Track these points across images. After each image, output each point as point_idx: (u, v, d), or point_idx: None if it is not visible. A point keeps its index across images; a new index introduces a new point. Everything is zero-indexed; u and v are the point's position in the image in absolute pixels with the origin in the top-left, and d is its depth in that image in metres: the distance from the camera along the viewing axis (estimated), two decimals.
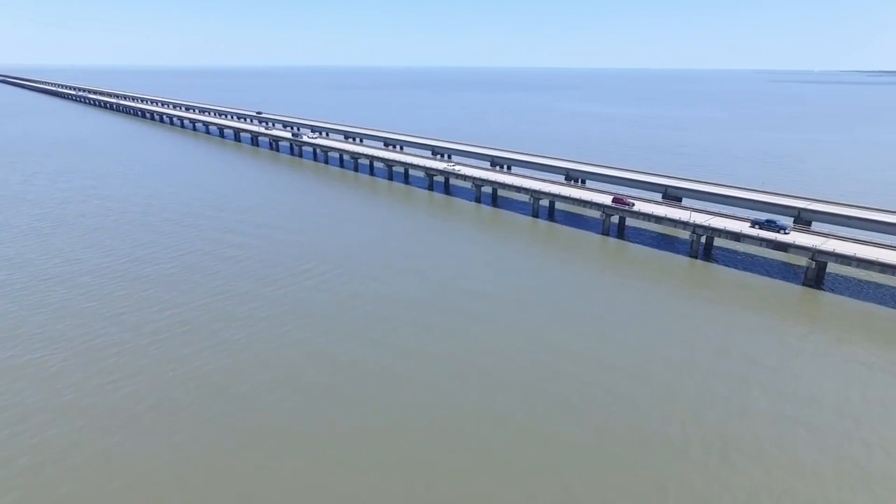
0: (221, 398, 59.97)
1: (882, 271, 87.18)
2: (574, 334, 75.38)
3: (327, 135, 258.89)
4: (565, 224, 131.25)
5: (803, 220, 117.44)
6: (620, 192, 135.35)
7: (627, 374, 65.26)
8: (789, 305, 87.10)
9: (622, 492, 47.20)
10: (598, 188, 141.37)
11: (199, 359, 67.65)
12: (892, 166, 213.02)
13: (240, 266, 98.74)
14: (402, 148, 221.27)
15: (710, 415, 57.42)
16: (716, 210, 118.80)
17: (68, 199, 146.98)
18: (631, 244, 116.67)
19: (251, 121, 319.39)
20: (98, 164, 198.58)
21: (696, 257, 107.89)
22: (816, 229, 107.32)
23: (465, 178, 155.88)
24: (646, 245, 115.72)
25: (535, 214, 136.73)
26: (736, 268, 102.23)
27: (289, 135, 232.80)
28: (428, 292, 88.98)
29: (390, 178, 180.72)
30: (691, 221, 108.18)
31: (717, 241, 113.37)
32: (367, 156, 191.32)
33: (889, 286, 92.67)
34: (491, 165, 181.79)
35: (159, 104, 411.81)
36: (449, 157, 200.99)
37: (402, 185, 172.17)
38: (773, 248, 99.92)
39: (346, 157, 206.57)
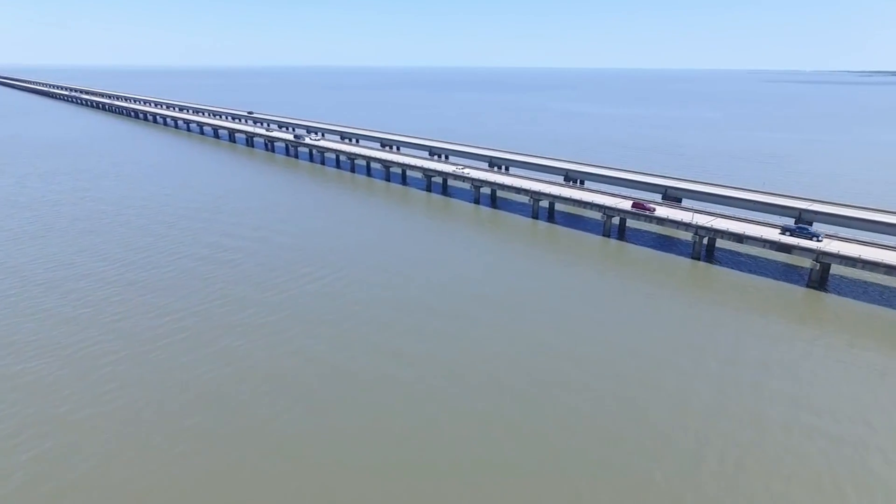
0: (223, 408, 58.41)
1: (887, 273, 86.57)
2: (580, 339, 74.25)
3: (323, 135, 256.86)
4: (565, 225, 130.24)
5: (804, 221, 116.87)
6: (640, 197, 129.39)
7: (637, 381, 64.11)
8: (796, 308, 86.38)
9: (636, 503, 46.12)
10: (598, 189, 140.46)
11: (199, 367, 66.02)
12: (891, 166, 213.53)
13: (238, 270, 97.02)
14: (398, 149, 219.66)
15: (725, 424, 56.28)
16: (717, 211, 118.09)
17: (61, 202, 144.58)
18: (632, 245, 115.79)
19: (245, 121, 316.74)
20: (91, 166, 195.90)
21: (698, 259, 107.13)
22: (821, 231, 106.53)
23: (473, 180, 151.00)
24: (647, 246, 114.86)
25: (535, 216, 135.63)
26: (739, 269, 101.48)
27: (290, 136, 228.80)
28: (430, 296, 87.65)
29: (387, 179, 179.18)
30: (693, 223, 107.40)
31: (719, 243, 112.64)
32: (365, 157, 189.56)
33: (894, 288, 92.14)
34: (489, 166, 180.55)
35: (152, 104, 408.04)
36: (446, 157, 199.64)
37: (400, 187, 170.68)
38: (777, 250, 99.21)
39: (342, 157, 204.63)
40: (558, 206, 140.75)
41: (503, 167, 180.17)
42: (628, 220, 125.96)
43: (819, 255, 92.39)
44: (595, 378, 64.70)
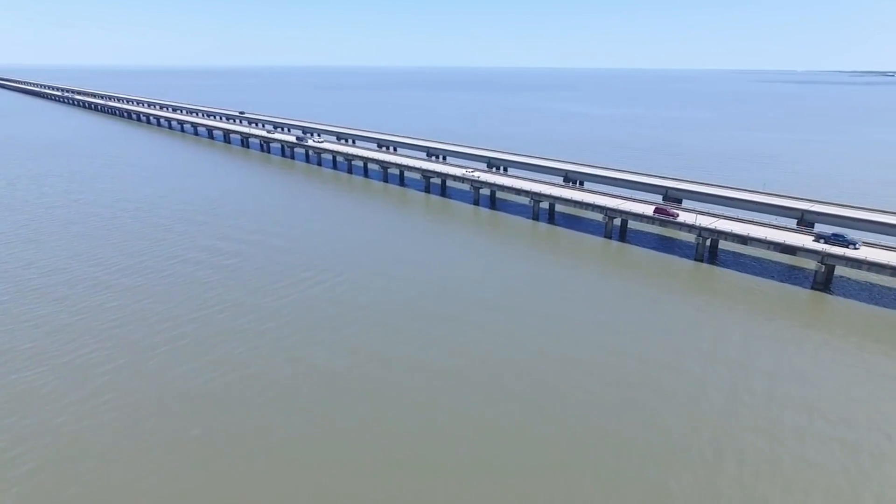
0: (225, 418, 56.84)
1: (893, 275, 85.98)
2: (586, 344, 73.02)
3: (319, 136, 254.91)
4: (566, 227, 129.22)
5: (806, 221, 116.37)
6: (661, 202, 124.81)
7: (648, 387, 62.98)
8: (803, 311, 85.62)
9: None
10: (598, 190, 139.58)
11: (200, 375, 64.38)
12: (887, 166, 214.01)
13: (236, 275, 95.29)
14: (395, 149, 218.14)
15: (739, 431, 55.17)
16: (717, 212, 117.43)
17: (54, 205, 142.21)
18: (634, 247, 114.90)
19: (240, 122, 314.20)
20: (84, 167, 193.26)
21: (701, 260, 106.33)
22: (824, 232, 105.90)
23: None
24: (649, 248, 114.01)
25: (536, 217, 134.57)
26: (742, 271, 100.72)
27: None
28: (431, 301, 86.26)
29: (385, 180, 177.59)
30: (697, 224, 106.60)
31: (722, 244, 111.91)
32: (364, 158, 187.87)
33: None
34: (487, 167, 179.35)
35: (145, 105, 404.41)
36: (444, 158, 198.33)
37: (398, 188, 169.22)
38: (781, 252, 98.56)
39: (339, 158, 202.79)
40: (558, 208, 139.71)
41: (501, 168, 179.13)
42: (630, 222, 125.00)
43: (824, 257, 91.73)
44: (603, 384, 63.56)
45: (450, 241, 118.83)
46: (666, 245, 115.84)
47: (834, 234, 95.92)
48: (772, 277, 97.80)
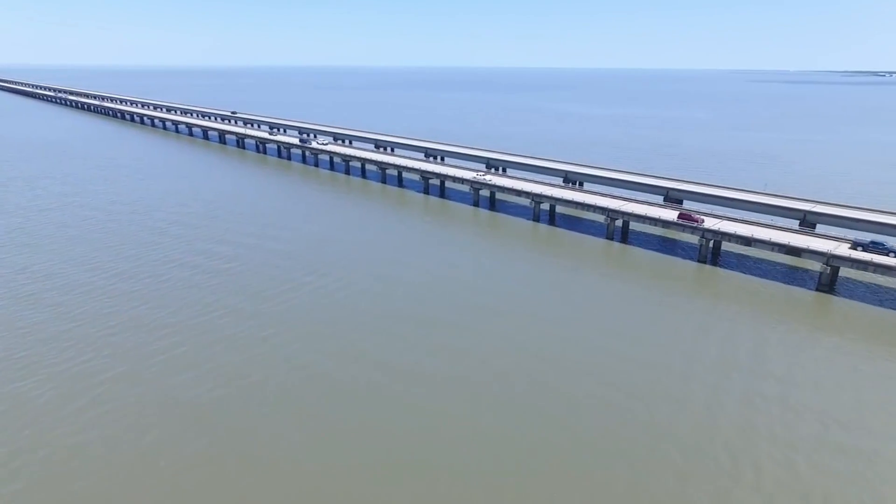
0: (227, 428, 55.31)
1: None
2: (593, 351, 71.70)
3: (315, 136, 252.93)
4: (567, 228, 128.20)
5: (808, 222, 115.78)
6: (686, 208, 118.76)
7: (660, 395, 61.79)
8: (811, 314, 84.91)
9: None
10: (599, 191, 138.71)
11: (200, 385, 62.77)
12: (884, 166, 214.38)
13: (234, 280, 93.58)
14: (392, 150, 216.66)
15: (757, 441, 53.92)
16: (717, 213, 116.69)
17: (48, 207, 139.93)
18: (636, 249, 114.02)
19: (235, 122, 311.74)
20: (78, 169, 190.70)
21: (704, 262, 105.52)
22: (829, 233, 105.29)
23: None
24: (651, 250, 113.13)
25: (536, 219, 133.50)
26: (746, 273, 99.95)
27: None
28: (433, 307, 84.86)
29: (384, 181, 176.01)
30: (700, 226, 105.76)
31: (724, 245, 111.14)
32: (362, 159, 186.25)
33: None
34: (486, 167, 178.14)
35: (139, 105, 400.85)
36: (442, 158, 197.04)
37: (396, 189, 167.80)
38: (786, 253, 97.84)
39: (336, 159, 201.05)
40: (559, 209, 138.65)
41: (500, 168, 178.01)
42: (631, 223, 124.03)
43: (830, 259, 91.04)
44: (613, 391, 62.40)
45: (450, 243, 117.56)
46: (668, 246, 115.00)
47: (873, 242, 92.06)
48: (775, 279, 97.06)
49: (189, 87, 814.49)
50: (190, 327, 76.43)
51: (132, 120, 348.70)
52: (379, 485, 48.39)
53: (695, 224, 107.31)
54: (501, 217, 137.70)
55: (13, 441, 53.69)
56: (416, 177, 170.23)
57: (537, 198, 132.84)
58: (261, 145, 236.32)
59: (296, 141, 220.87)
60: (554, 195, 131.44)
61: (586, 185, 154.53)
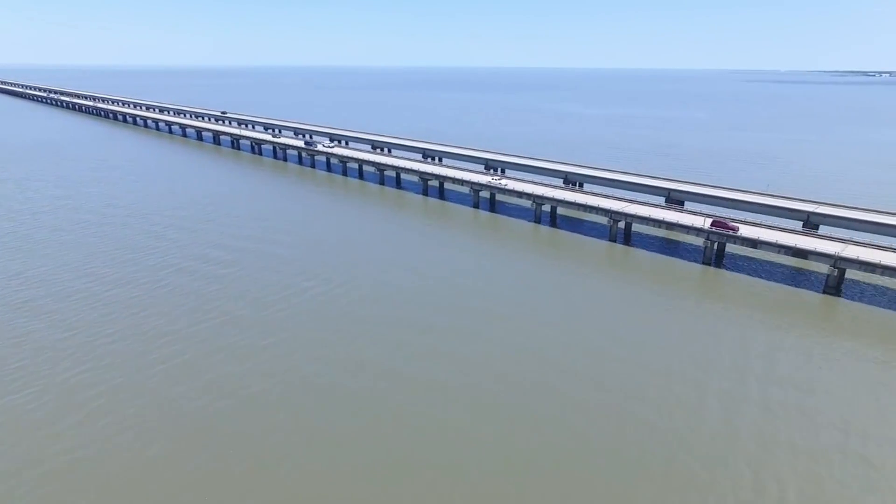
0: (233, 445, 53.52)
1: None
2: (601, 358, 70.30)
3: (311, 137, 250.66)
4: (569, 230, 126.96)
5: (812, 224, 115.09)
6: (720, 215, 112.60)
7: (676, 405, 60.53)
8: (822, 318, 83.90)
9: None
10: (600, 192, 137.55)
11: (202, 397, 60.91)
12: (882, 166, 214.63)
13: (233, 286, 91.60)
14: (390, 151, 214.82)
15: (778, 452, 52.74)
16: (718, 213, 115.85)
17: (40, 210, 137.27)
18: (639, 251, 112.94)
19: (230, 123, 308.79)
20: (71, 171, 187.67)
21: (709, 264, 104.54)
22: (833, 234, 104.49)
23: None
24: (654, 251, 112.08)
25: (538, 220, 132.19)
26: (751, 275, 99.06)
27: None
28: (436, 313, 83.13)
29: (382, 182, 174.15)
30: (705, 228, 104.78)
31: (729, 247, 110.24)
32: (361, 160, 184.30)
33: None
34: (485, 168, 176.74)
35: (131, 106, 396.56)
36: (440, 159, 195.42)
37: (394, 190, 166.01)
38: (793, 255, 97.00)
39: (333, 160, 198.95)
40: (560, 211, 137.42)
41: (499, 170, 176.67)
42: (634, 225, 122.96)
43: (837, 261, 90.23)
44: (627, 400, 61.04)
45: (451, 246, 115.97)
46: (671, 248, 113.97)
47: None
48: (781, 281, 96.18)
49: (189, 87, 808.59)
50: (190, 335, 74.51)
51: (124, 121, 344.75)
52: (384, 495, 46.82)
53: (730, 232, 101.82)
54: (502, 219, 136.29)
55: (7, 458, 51.70)
56: (415, 178, 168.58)
57: (539, 199, 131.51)
58: (256, 146, 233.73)
59: (294, 142, 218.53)
60: (556, 197, 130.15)
61: (586, 186, 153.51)
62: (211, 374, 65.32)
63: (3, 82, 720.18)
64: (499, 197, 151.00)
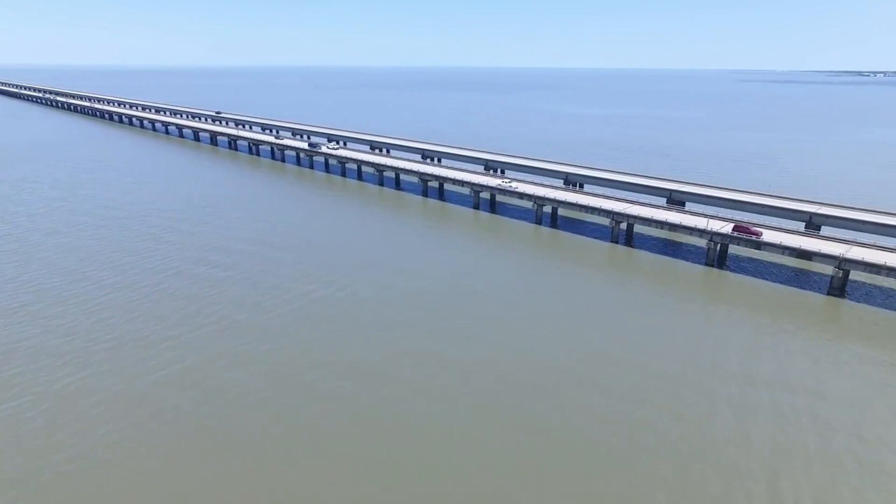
0: (235, 456, 52.42)
1: None
2: (612, 365, 69.21)
3: (309, 138, 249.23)
4: (570, 231, 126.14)
5: (814, 224, 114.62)
6: (742, 220, 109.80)
7: (691, 414, 59.71)
8: (829, 320, 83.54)
9: None
10: (601, 193, 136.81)
11: (202, 406, 59.70)
12: (881, 166, 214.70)
13: (233, 290, 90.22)
14: (388, 151, 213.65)
15: (793, 461, 51.96)
16: (721, 214, 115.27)
17: (36, 213, 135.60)
18: (642, 252, 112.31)
19: (226, 123, 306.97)
20: (66, 172, 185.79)
21: (712, 265, 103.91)
22: (837, 235, 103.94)
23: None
24: (656, 253, 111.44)
25: (539, 221, 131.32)
26: (754, 276, 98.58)
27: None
28: (439, 318, 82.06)
29: (381, 183, 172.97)
30: (709, 229, 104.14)
31: (731, 248, 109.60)
32: (361, 161, 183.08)
33: None
34: (485, 169, 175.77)
35: (126, 106, 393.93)
36: (439, 160, 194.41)
37: (393, 191, 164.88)
38: (797, 257, 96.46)
39: (332, 161, 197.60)
40: (561, 212, 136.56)
41: (499, 170, 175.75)
42: (637, 226, 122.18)
43: (841, 262, 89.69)
44: (639, 408, 60.13)
45: (452, 249, 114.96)
46: (673, 249, 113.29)
47: None
48: (785, 282, 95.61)
49: (188, 87, 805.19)
50: (190, 341, 73.28)
51: (120, 121, 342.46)
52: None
53: (753, 237, 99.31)
54: (503, 220, 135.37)
55: (5, 470, 50.43)
56: (415, 179, 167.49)
57: (540, 200, 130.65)
58: (253, 146, 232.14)
59: (293, 143, 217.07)
60: (557, 198, 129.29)
61: (587, 187, 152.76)
62: (213, 381, 64.13)
63: None
64: (499, 198, 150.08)
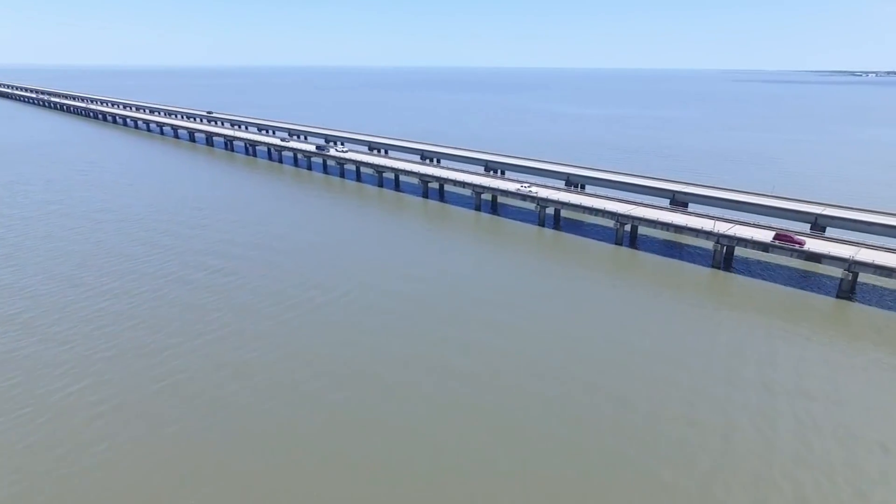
0: (239, 474, 50.68)
1: None
2: (624, 373, 67.69)
3: (307, 138, 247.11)
4: (573, 233, 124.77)
5: (819, 226, 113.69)
6: (784, 228, 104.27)
7: (711, 425, 58.19)
8: (842, 325, 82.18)
9: None
10: (603, 194, 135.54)
11: (205, 420, 57.81)
12: (880, 166, 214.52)
13: (234, 297, 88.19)
14: (386, 152, 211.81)
15: (817, 472, 50.68)
16: (722, 215, 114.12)
17: (29, 216, 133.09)
18: (646, 254, 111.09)
19: (222, 124, 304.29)
20: (61, 174, 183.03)
21: (718, 268, 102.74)
22: (845, 238, 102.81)
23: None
24: (661, 255, 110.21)
25: (542, 223, 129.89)
26: (761, 278, 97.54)
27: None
28: (442, 324, 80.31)
29: (380, 184, 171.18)
30: (715, 231, 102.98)
31: (738, 251, 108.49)
32: (361, 163, 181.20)
33: None
34: (485, 170, 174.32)
35: (121, 106, 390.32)
36: (439, 161, 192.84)
37: (393, 192, 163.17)
38: (805, 259, 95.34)
39: (330, 162, 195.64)
40: (564, 213, 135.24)
41: (499, 171, 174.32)
42: (640, 228, 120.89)
43: (851, 265, 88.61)
44: (656, 420, 58.67)
45: (455, 252, 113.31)
46: (678, 251, 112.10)
47: None
48: (793, 285, 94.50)
49: (188, 87, 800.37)
50: (191, 350, 71.35)
51: (114, 122, 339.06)
52: None
53: (796, 246, 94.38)
54: (505, 222, 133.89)
55: (7, 479, 48.52)
56: (415, 180, 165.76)
57: (543, 202, 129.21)
58: (250, 147, 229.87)
59: (295, 145, 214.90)
60: (561, 199, 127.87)
61: (588, 188, 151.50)
62: (213, 394, 62.21)
63: None
64: (500, 199, 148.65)
